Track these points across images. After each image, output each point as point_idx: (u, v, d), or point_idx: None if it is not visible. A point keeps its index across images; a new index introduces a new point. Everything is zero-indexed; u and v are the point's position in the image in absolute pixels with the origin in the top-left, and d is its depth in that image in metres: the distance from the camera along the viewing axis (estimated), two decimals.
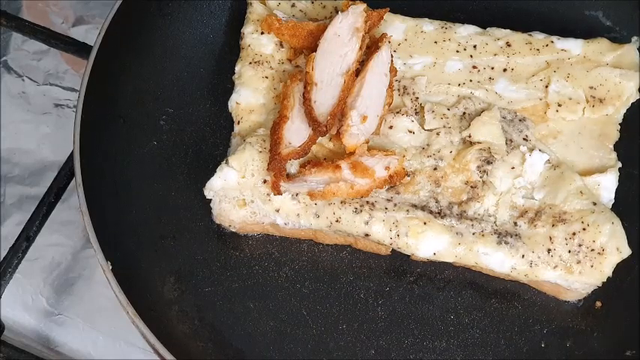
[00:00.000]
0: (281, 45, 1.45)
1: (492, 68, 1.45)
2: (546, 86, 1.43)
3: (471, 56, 1.46)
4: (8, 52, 1.76)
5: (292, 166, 1.34)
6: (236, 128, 1.42)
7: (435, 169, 1.36)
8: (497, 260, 1.33)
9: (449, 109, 1.41)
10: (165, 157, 1.48)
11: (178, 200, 1.44)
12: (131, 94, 1.49)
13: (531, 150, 1.37)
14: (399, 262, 1.40)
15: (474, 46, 1.46)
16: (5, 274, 1.38)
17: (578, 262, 1.31)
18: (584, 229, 1.31)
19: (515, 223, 1.34)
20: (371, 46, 1.39)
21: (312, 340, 1.35)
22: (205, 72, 1.55)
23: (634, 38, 1.49)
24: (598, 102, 1.43)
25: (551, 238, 1.32)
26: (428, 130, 1.39)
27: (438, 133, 1.38)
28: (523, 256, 1.32)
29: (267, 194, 1.34)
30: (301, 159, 1.33)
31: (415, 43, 1.47)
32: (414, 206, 1.34)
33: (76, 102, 1.40)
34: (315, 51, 1.36)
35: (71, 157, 1.36)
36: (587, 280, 1.32)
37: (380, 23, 1.43)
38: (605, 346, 1.35)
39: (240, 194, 1.37)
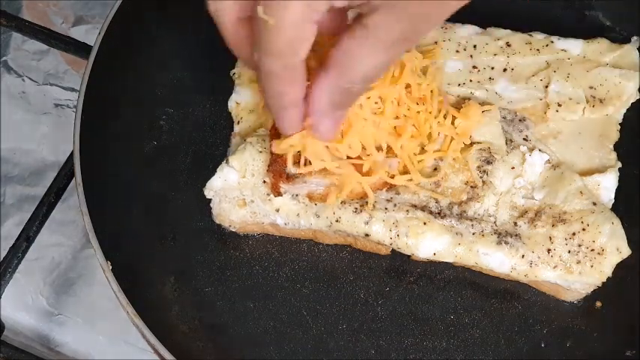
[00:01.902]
0: None
1: (492, 68, 1.45)
2: (546, 86, 1.43)
3: (471, 56, 1.45)
4: (8, 52, 1.75)
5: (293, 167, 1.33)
6: (236, 128, 1.42)
7: (435, 169, 1.36)
8: (497, 260, 1.33)
9: None
10: (166, 157, 1.48)
11: (178, 200, 1.44)
12: (131, 94, 1.49)
13: (531, 150, 1.37)
14: (399, 262, 1.40)
15: (474, 46, 1.46)
16: (5, 274, 1.38)
17: (578, 262, 1.31)
18: (584, 229, 1.31)
19: (515, 223, 1.34)
20: None
21: (312, 340, 1.35)
22: (205, 72, 1.55)
23: (634, 38, 1.49)
24: (598, 102, 1.42)
25: (551, 238, 1.32)
26: None
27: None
28: (523, 256, 1.32)
29: (267, 194, 1.34)
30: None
31: None
32: (414, 206, 1.34)
33: (76, 102, 1.40)
34: None
35: (71, 157, 1.36)
36: (587, 280, 1.32)
37: None
38: (605, 346, 1.35)
39: (240, 194, 1.37)
